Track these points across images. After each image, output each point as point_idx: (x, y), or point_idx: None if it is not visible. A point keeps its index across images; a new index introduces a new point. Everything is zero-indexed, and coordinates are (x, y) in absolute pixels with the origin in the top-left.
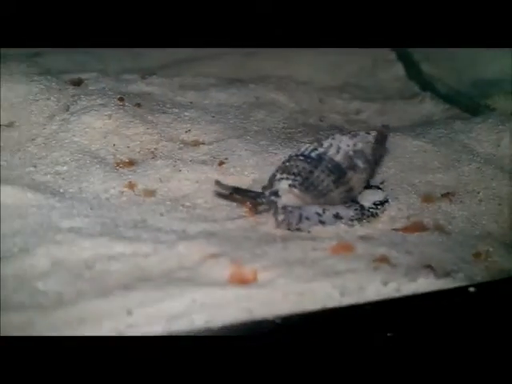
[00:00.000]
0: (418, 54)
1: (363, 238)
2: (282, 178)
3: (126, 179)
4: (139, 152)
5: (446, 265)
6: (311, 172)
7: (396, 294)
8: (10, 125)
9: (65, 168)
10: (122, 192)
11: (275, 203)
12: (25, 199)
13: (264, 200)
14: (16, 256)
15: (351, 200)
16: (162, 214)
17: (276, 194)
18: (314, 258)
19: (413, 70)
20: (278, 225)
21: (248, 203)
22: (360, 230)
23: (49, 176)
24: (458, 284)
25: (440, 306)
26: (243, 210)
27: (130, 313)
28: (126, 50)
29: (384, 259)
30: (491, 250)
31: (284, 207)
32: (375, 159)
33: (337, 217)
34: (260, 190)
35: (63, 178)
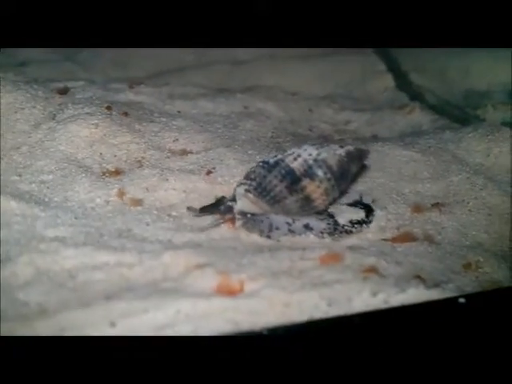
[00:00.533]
0: (407, 64)
1: (352, 248)
2: (241, 183)
3: (113, 188)
4: (126, 161)
5: (436, 275)
6: (265, 177)
7: (384, 305)
8: None
9: (50, 177)
10: (108, 201)
11: (232, 208)
12: (8, 208)
13: (223, 207)
14: None
15: (324, 213)
16: (147, 224)
17: (234, 199)
18: (301, 268)
19: (402, 81)
20: (236, 228)
21: (223, 216)
22: (349, 240)
23: (33, 185)
24: (448, 295)
25: (430, 317)
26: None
27: (113, 324)
28: (112, 60)
29: (373, 269)
30: (481, 260)
31: (241, 212)
32: (346, 174)
33: (307, 227)
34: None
35: (48, 187)
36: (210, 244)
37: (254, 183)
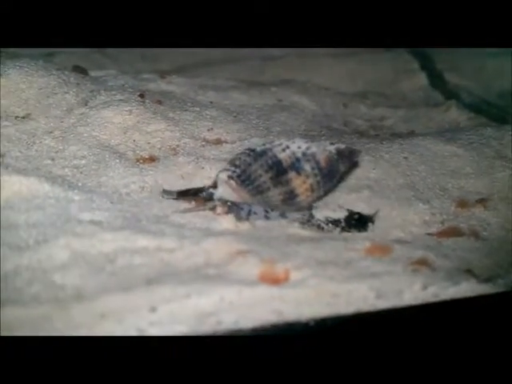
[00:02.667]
0: (441, 63)
1: (397, 241)
2: (224, 169)
3: (147, 175)
4: (160, 148)
5: (486, 270)
6: (250, 165)
7: (434, 299)
8: (26, 116)
9: (83, 162)
10: (143, 187)
11: (212, 194)
12: (41, 191)
13: (204, 193)
14: (31, 248)
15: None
16: (184, 209)
17: (215, 185)
18: (347, 258)
19: (436, 80)
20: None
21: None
22: (394, 233)
23: (67, 169)
24: (499, 289)
25: (482, 311)
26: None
27: (153, 309)
28: (139, 53)
29: (423, 262)
30: None
31: (221, 199)
32: (333, 172)
33: (282, 216)
34: None
35: (81, 172)
36: (249, 232)
37: (237, 170)
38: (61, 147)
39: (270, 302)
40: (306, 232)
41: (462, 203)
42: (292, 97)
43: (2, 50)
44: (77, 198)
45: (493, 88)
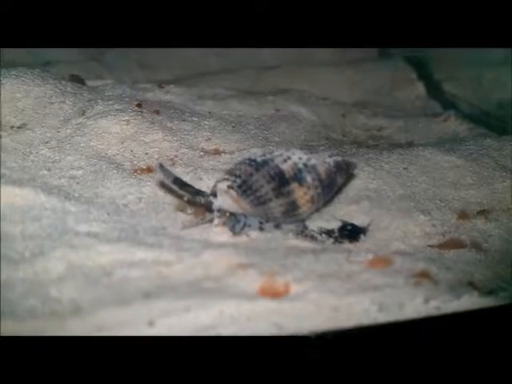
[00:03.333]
0: (439, 73)
1: (398, 252)
2: (224, 179)
3: (145, 185)
4: (158, 159)
5: (487, 283)
6: (251, 175)
7: (436, 312)
8: (22, 126)
9: (80, 172)
10: (141, 199)
11: (211, 203)
12: (37, 201)
13: (202, 199)
14: (27, 260)
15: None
16: (182, 223)
17: (215, 194)
18: (348, 271)
19: (434, 90)
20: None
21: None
22: (395, 245)
23: (63, 180)
24: (501, 302)
25: (485, 324)
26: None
27: (151, 323)
28: (137, 63)
29: (425, 275)
30: None
31: (220, 210)
32: (332, 184)
33: (277, 227)
34: None
35: (78, 183)
36: (248, 244)
37: (238, 180)
38: (57, 157)
39: (270, 316)
40: (306, 244)
41: (463, 215)
42: (290, 106)
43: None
44: (73, 209)
45: (492, 98)
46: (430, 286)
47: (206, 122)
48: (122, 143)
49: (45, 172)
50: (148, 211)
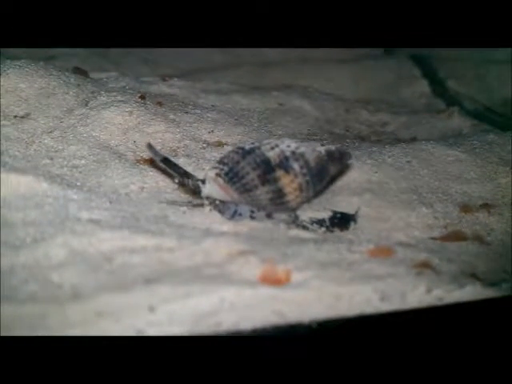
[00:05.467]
0: (443, 71)
1: (400, 244)
2: (213, 167)
3: (147, 176)
4: (160, 150)
5: (490, 275)
6: (237, 162)
7: (439, 302)
8: (26, 116)
9: (82, 162)
10: (143, 188)
11: (199, 187)
12: (39, 189)
13: (190, 182)
14: (28, 246)
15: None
16: (184, 212)
17: (204, 181)
18: (350, 260)
19: (439, 87)
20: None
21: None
22: (396, 236)
23: (65, 169)
24: (504, 293)
25: (488, 315)
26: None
27: (152, 309)
28: (141, 58)
29: (426, 265)
30: None
31: (208, 197)
32: (323, 173)
33: (268, 216)
34: None
35: (80, 172)
36: (250, 233)
37: (225, 168)
38: (60, 147)
39: (271, 303)
40: (307, 234)
41: (466, 208)
42: (294, 101)
43: (2, 49)
44: (75, 197)
45: (495, 95)
46: (432, 276)
47: (208, 115)
48: (125, 134)
49: (47, 161)
50: (150, 201)
